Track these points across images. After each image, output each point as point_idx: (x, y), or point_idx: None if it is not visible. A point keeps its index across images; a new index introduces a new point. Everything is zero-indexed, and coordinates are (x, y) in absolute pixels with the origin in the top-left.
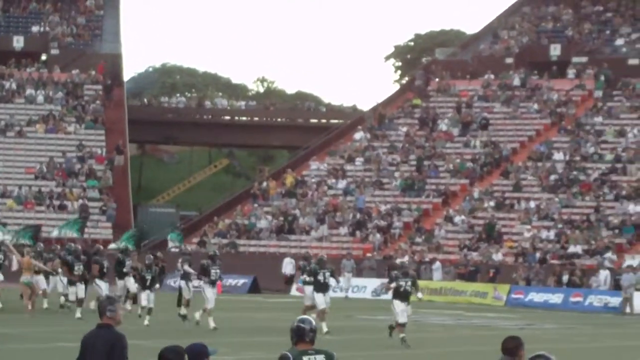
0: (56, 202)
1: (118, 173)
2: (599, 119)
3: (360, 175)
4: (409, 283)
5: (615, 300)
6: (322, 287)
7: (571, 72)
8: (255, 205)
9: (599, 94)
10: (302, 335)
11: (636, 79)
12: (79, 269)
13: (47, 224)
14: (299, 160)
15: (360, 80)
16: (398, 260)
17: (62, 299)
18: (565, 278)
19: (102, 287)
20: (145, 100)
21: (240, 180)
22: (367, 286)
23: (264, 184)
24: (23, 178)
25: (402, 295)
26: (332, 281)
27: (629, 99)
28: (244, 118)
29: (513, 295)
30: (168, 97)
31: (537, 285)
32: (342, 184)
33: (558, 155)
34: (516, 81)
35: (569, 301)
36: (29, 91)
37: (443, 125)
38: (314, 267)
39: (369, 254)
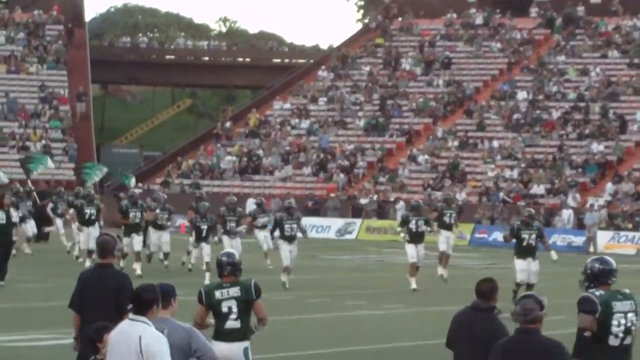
0: (19, 143)
1: (81, 114)
2: (562, 58)
3: (324, 115)
4: (533, 236)
5: (578, 240)
6: (414, 238)
7: (534, 11)
8: (219, 145)
9: (558, 37)
10: (221, 268)
11: (599, 18)
12: (134, 215)
13: (10, 165)
14: (262, 100)
15: (323, 19)
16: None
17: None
18: None
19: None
20: (107, 40)
21: (203, 121)
22: (331, 226)
23: (227, 124)
24: None
25: (525, 250)
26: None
27: (591, 38)
28: (207, 58)
29: (477, 235)
30: (130, 37)
31: (500, 225)
32: (305, 123)
33: (521, 94)
34: (479, 20)
35: None
36: None
37: (406, 65)
38: (405, 215)
39: (332, 194)
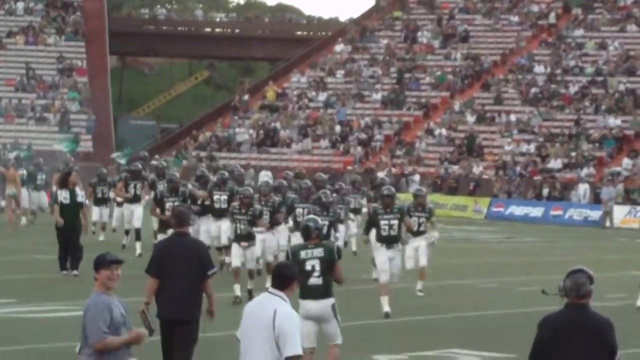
0: (37, 115)
1: (98, 85)
2: (580, 32)
3: (341, 88)
4: None
5: (595, 214)
6: None
7: None
8: (236, 117)
9: (577, 10)
10: (308, 232)
11: None
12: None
13: (28, 137)
14: (280, 73)
15: None
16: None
17: None
18: (545, 191)
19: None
20: (126, 12)
21: (221, 93)
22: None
23: (245, 96)
24: (3, 90)
25: None
26: None
27: (610, 12)
28: (225, 30)
29: (493, 209)
30: (148, 9)
31: (517, 199)
32: (322, 96)
33: (539, 68)
34: None
35: (549, 214)
36: (9, 3)
37: (424, 38)
38: None
39: (349, 167)
